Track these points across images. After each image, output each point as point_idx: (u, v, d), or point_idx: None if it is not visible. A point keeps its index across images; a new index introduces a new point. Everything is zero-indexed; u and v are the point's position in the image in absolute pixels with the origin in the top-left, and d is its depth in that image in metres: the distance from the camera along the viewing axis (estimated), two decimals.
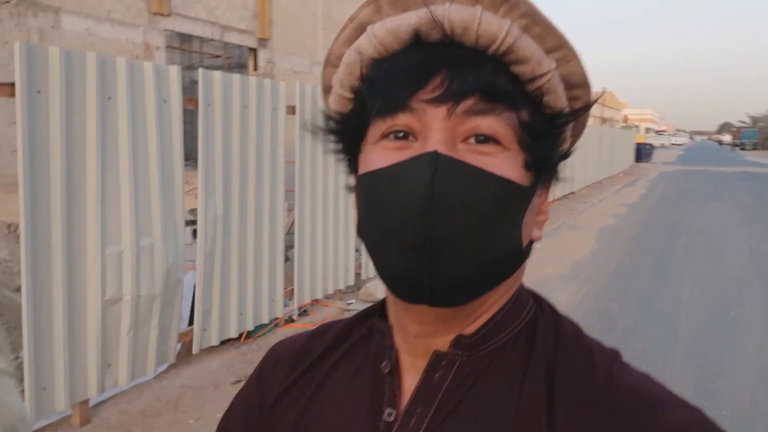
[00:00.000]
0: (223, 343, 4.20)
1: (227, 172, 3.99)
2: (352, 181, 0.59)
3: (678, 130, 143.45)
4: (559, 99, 0.54)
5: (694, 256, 8.06)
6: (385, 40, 0.53)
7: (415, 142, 0.51)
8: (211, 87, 3.83)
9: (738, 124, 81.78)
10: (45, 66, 2.79)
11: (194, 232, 4.11)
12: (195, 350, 3.95)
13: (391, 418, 0.55)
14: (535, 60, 0.51)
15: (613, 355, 0.56)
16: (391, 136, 0.52)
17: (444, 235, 0.48)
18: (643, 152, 31.40)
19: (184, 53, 17.02)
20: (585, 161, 16.34)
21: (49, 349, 3.01)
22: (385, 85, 0.52)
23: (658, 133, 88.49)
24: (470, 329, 0.54)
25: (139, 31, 14.76)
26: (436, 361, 0.54)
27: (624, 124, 58.97)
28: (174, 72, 3.48)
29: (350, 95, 0.56)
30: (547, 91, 0.52)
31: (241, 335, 4.32)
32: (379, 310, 0.63)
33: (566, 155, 0.59)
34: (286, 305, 4.75)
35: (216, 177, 3.92)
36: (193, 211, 4.60)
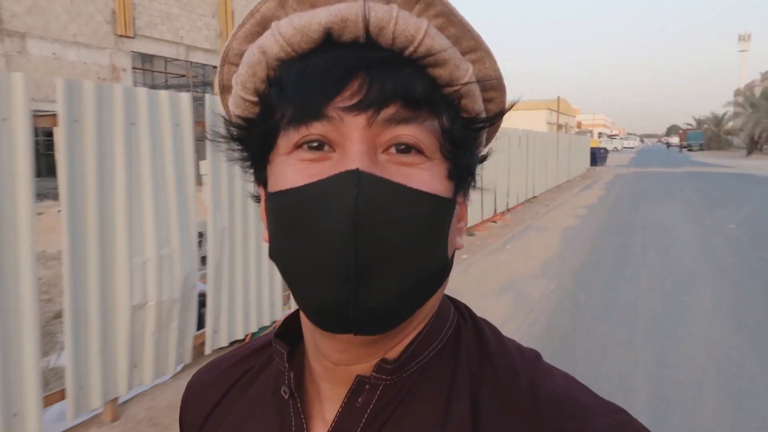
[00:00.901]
0: (232, 343, 4.55)
1: (232, 188, 4.37)
2: (259, 193, 0.54)
3: (629, 134, 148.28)
4: (476, 102, 0.51)
5: (650, 250, 8.74)
6: (292, 39, 0.48)
7: (332, 153, 0.47)
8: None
9: (685, 127, 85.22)
10: (80, 97, 3.14)
11: (200, 243, 4.45)
12: (207, 351, 4.29)
13: None
14: (453, 63, 0.49)
15: (535, 360, 0.55)
16: (305, 147, 0.47)
17: (372, 264, 0.44)
18: (597, 156, 32.63)
19: (148, 74, 17.17)
20: (544, 166, 17.12)
21: (85, 352, 3.32)
22: (297, 90, 0.47)
23: (611, 137, 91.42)
24: (394, 352, 0.52)
25: (105, 53, 14.90)
26: (359, 386, 0.51)
27: (578, 130, 60.90)
28: (186, 99, 3.85)
29: (254, 98, 0.51)
30: (465, 94, 0.50)
31: (246, 336, 4.67)
32: (278, 329, 0.58)
33: (483, 159, 0.57)
34: (284, 309, 5.12)
35: (222, 192, 4.29)
36: (201, 224, 4.94)
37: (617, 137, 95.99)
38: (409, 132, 0.46)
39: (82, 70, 14.03)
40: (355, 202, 0.43)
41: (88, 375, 3.33)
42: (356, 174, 0.43)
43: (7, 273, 2.83)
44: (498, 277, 7.10)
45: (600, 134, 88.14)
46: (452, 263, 0.53)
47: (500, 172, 12.30)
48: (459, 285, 6.74)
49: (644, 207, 14.06)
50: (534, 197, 15.87)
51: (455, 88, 0.49)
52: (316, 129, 0.46)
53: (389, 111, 0.46)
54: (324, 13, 0.47)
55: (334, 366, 0.52)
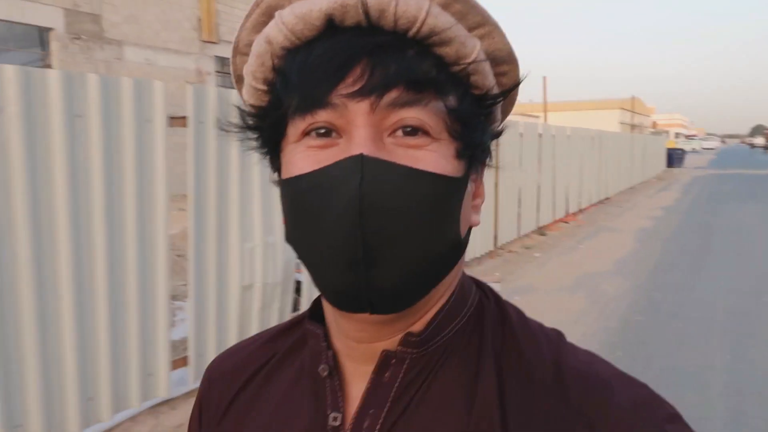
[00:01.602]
0: None
1: None
2: (275, 178, 0.56)
3: (709, 134, 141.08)
4: (486, 78, 0.51)
5: (729, 251, 8.57)
6: (295, 28, 0.49)
7: (339, 138, 0.48)
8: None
9: None
10: (205, 100, 3.59)
11: None
12: None
13: (337, 423, 0.53)
14: (459, 40, 0.49)
15: (558, 338, 0.56)
16: (313, 134, 0.48)
17: (379, 246, 0.45)
18: (674, 157, 31.51)
19: (227, 77, 18.08)
20: (618, 167, 16.83)
21: (204, 324, 3.78)
22: (301, 79, 0.48)
23: (689, 137, 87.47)
24: (418, 326, 0.52)
25: (191, 58, 15.85)
26: (385, 360, 0.52)
27: (653, 130, 58.75)
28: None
29: (264, 87, 0.52)
30: (474, 71, 0.50)
31: None
32: (309, 311, 0.60)
33: (497, 134, 0.56)
34: None
35: None
36: None
37: (696, 138, 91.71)
38: (413, 114, 0.47)
39: (171, 75, 15.01)
40: (359, 187, 0.44)
41: (206, 344, 3.79)
42: (360, 159, 0.44)
43: (149, 256, 3.30)
44: (572, 275, 7.22)
45: (677, 134, 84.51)
46: (467, 240, 0.53)
47: (572, 173, 12.27)
48: (532, 281, 6.92)
49: (724, 209, 13.62)
50: (607, 198, 15.65)
51: (462, 65, 0.49)
52: (322, 117, 0.47)
53: (392, 95, 0.46)
54: (324, 0, 0.47)
55: (356, 344, 0.53)
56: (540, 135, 10.21)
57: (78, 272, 2.95)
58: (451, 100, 0.48)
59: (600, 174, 14.72)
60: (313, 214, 0.47)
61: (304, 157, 0.48)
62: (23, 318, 2.77)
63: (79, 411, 3.05)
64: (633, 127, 41.83)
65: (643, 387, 0.52)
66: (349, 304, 0.48)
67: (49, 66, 13.12)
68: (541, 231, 10.45)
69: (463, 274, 0.57)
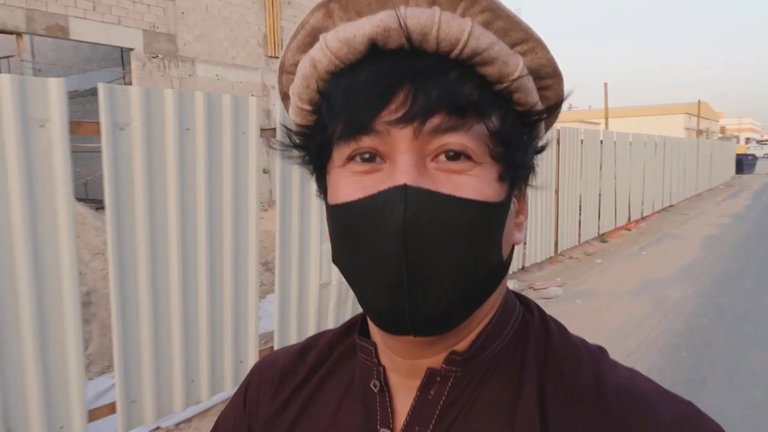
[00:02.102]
0: None
1: None
2: (322, 199, 0.56)
3: None
4: (529, 95, 0.51)
5: None
6: (339, 52, 0.49)
7: (383, 164, 0.48)
8: None
9: None
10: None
11: None
12: None
13: None
14: (501, 59, 0.48)
15: (599, 353, 0.56)
16: (358, 159, 0.49)
17: (422, 274, 0.46)
18: (744, 163, 30.30)
19: None
20: (683, 173, 16.44)
21: (287, 320, 4.12)
22: (345, 105, 0.48)
23: (761, 143, 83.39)
24: (462, 345, 0.53)
25: (257, 73, 16.59)
26: (431, 378, 0.53)
27: (722, 135, 56.48)
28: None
29: (309, 108, 0.53)
30: (517, 89, 0.50)
31: None
32: (359, 325, 0.61)
33: (540, 150, 0.56)
34: None
35: None
36: None
37: None
38: (456, 140, 0.47)
39: (239, 89, 15.77)
40: (403, 218, 0.44)
41: (288, 336, 4.13)
42: (404, 189, 0.45)
43: (241, 258, 3.68)
44: (634, 280, 7.24)
45: (747, 140, 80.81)
46: (510, 259, 0.54)
47: (635, 179, 12.14)
48: (594, 286, 6.99)
49: None
50: (671, 205, 15.32)
51: (506, 84, 0.49)
52: (366, 143, 0.47)
53: (435, 121, 0.46)
54: (367, 24, 0.48)
55: (402, 360, 0.54)
56: (601, 141, 10.21)
57: (185, 273, 3.34)
58: (494, 121, 0.48)
59: (663, 181, 14.44)
60: (359, 242, 0.48)
61: (349, 182, 0.49)
62: (142, 311, 3.18)
63: (183, 391, 3.44)
64: (699, 132, 40.40)
65: (687, 404, 0.50)
66: (393, 327, 0.49)
67: (129, 83, 14.09)
68: (602, 238, 10.41)
69: (507, 290, 0.57)
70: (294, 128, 0.56)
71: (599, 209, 10.31)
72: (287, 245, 4.03)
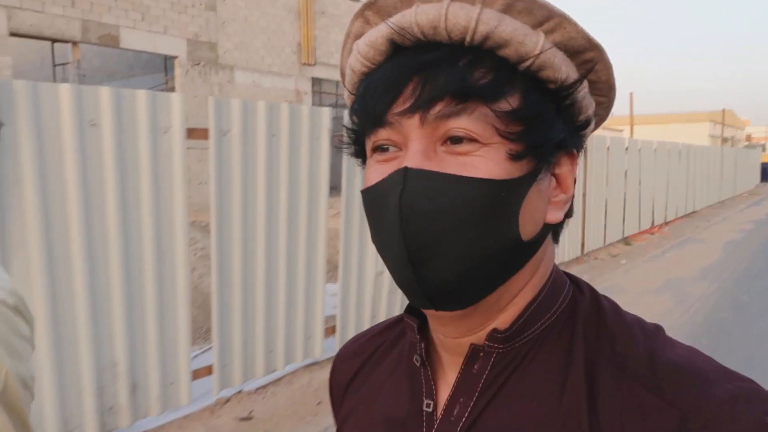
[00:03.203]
0: None
1: None
2: None
3: None
4: (557, 71, 0.51)
5: None
6: (368, 55, 0.54)
7: (400, 152, 0.52)
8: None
9: None
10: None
11: None
12: None
13: (430, 409, 0.57)
14: (516, 40, 0.50)
15: (655, 331, 0.55)
16: (379, 150, 0.53)
17: (421, 248, 0.49)
18: None
19: (324, 95, 19.43)
20: (706, 181, 16.71)
21: (347, 304, 4.66)
22: (363, 102, 0.52)
23: None
24: (504, 322, 0.54)
25: (291, 79, 17.27)
26: (474, 354, 0.55)
27: (747, 143, 55.95)
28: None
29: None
30: (542, 66, 0.51)
31: None
32: (408, 306, 0.63)
33: (586, 124, 0.56)
34: None
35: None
36: None
37: None
38: (459, 124, 0.49)
39: (274, 95, 16.44)
40: (399, 196, 0.48)
41: (348, 320, 4.67)
42: (404, 171, 0.49)
43: (313, 251, 4.23)
44: (657, 279, 7.67)
45: None
46: (541, 238, 0.54)
47: (659, 186, 12.51)
48: (619, 283, 7.44)
49: None
50: (694, 212, 15.61)
51: (528, 63, 0.50)
52: (382, 135, 0.52)
53: (437, 108, 0.48)
54: (385, 26, 0.52)
55: (443, 336, 0.57)
56: (626, 149, 10.63)
57: (269, 263, 3.91)
58: (511, 101, 0.49)
59: (687, 188, 14.76)
60: (376, 222, 0.52)
61: (373, 170, 0.53)
62: (234, 293, 3.75)
63: (263, 360, 4.00)
64: (724, 140, 40.26)
65: (747, 381, 0.49)
66: (413, 299, 0.52)
67: (172, 89, 14.82)
68: (626, 241, 10.82)
69: (557, 270, 0.58)
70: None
71: (624, 213, 10.73)
72: (350, 238, 4.58)
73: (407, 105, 0.49)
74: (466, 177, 0.48)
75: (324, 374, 4.49)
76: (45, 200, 2.83)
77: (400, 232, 0.49)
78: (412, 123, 0.50)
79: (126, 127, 3.10)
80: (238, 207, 3.68)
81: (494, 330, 0.54)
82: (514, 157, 0.50)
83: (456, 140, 0.49)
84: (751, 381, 0.49)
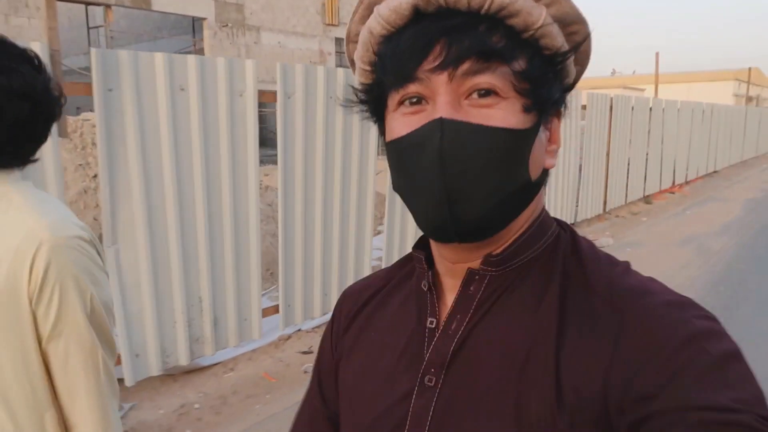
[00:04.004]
0: None
1: None
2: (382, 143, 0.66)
3: None
4: (554, 40, 0.59)
5: None
6: (389, 19, 0.59)
7: (427, 105, 0.58)
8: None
9: None
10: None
11: None
12: None
13: (433, 325, 0.65)
14: (525, 11, 0.57)
15: (623, 265, 0.63)
16: (407, 103, 0.59)
17: (458, 188, 0.56)
18: None
19: (343, 55, 19.58)
20: (728, 141, 16.76)
21: (392, 253, 5.08)
22: (393, 60, 0.59)
23: None
24: (497, 249, 0.63)
25: (315, 40, 17.42)
26: (470, 276, 0.63)
27: None
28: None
29: (369, 68, 0.64)
30: (542, 35, 0.58)
31: None
32: (416, 243, 0.72)
33: (569, 88, 0.65)
34: None
35: None
36: None
37: None
38: (483, 80, 0.56)
39: (298, 56, 16.65)
40: (440, 142, 0.55)
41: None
42: (440, 121, 0.55)
43: (361, 205, 4.62)
44: (679, 234, 8.00)
45: None
46: (543, 180, 0.64)
47: (681, 145, 12.67)
48: (642, 238, 7.79)
49: None
50: (715, 171, 15.74)
51: (531, 32, 0.58)
52: (412, 89, 0.58)
53: (465, 66, 0.55)
54: None
55: (451, 264, 0.65)
56: (651, 109, 10.80)
57: (326, 214, 4.32)
58: (521, 63, 0.57)
59: (709, 147, 14.86)
60: (409, 167, 0.59)
61: (400, 122, 0.60)
62: (297, 240, 4.17)
63: (320, 301, 4.46)
64: (749, 99, 39.58)
65: (689, 300, 0.56)
66: (442, 236, 0.60)
67: (200, 51, 15.08)
68: (647, 199, 11.09)
69: (545, 211, 0.67)
70: (359, 87, 0.67)
71: (645, 172, 10.97)
72: (394, 195, 4.95)
73: (437, 63, 0.56)
74: (492, 127, 0.56)
75: None
76: (144, 155, 3.25)
77: (439, 174, 0.56)
78: (441, 79, 0.56)
79: (208, 91, 3.48)
80: (300, 165, 4.07)
81: (488, 255, 0.62)
82: (526, 109, 0.58)
83: (482, 94, 0.56)
84: (693, 301, 0.57)
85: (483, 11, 0.57)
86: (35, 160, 1.10)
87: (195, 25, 15.60)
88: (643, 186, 10.97)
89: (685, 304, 0.55)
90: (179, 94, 3.36)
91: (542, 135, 0.62)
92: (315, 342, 4.38)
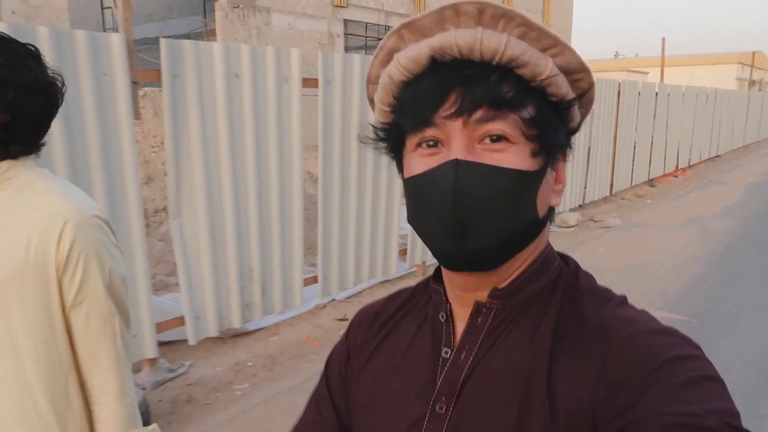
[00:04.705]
0: None
1: None
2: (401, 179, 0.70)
3: None
4: (560, 88, 0.64)
5: None
6: (408, 66, 0.65)
7: (443, 148, 0.63)
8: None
9: None
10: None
11: None
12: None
13: (448, 355, 0.69)
14: (533, 62, 0.62)
15: (616, 298, 0.67)
16: (424, 145, 0.64)
17: (470, 223, 0.61)
18: None
19: (354, 38, 19.72)
20: (731, 125, 17.04)
21: (417, 239, 5.42)
22: (413, 106, 0.64)
23: None
24: (503, 284, 0.67)
25: (324, 22, 17.56)
26: (478, 308, 0.68)
27: None
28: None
29: (389, 109, 0.69)
30: (549, 84, 0.63)
31: None
32: (434, 275, 0.75)
33: (575, 130, 0.69)
34: None
35: None
36: None
37: None
38: (495, 126, 0.61)
39: (308, 38, 16.84)
40: (454, 182, 0.60)
41: (416, 246, 5.45)
42: (455, 162, 0.60)
43: (390, 186, 4.95)
44: (682, 216, 8.36)
45: None
46: (549, 218, 0.69)
47: (685, 130, 12.97)
48: (647, 219, 8.15)
49: None
50: (717, 156, 16.05)
51: (539, 81, 0.62)
52: (429, 133, 0.63)
53: (478, 114, 0.60)
54: (426, 45, 0.64)
55: (462, 293, 0.69)
56: (656, 94, 11.08)
57: (359, 196, 4.65)
58: (530, 111, 0.62)
59: (712, 132, 15.15)
60: (425, 202, 0.63)
61: (418, 162, 0.64)
62: (334, 216, 4.51)
63: (353, 273, 4.81)
64: (752, 83, 39.66)
65: (673, 329, 0.61)
66: (453, 264, 0.65)
67: (212, 32, 15.26)
68: (651, 183, 11.42)
69: (550, 248, 0.71)
70: (379, 125, 0.72)
71: (650, 156, 11.28)
72: None
73: (453, 110, 0.60)
74: (503, 168, 0.61)
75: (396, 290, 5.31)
76: (204, 136, 3.57)
77: (453, 209, 0.60)
78: (456, 124, 0.61)
79: (259, 78, 3.80)
80: (338, 147, 4.39)
81: (494, 289, 0.67)
82: (534, 154, 0.62)
83: (494, 139, 0.61)
84: (674, 328, 0.60)
85: (495, 62, 0.62)
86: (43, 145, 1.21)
87: (206, 5, 15.76)
88: (647, 170, 11.29)
89: (668, 332, 0.60)
90: (234, 80, 3.67)
91: (549, 176, 0.66)
92: (348, 310, 4.74)
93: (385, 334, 0.79)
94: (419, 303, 0.79)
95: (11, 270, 1.06)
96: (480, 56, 0.62)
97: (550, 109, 0.64)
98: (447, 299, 0.72)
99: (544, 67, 0.62)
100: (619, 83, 9.33)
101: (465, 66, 0.62)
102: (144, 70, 3.48)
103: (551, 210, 0.69)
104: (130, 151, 3.23)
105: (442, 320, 0.72)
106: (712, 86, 15.08)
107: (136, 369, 3.59)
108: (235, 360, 3.94)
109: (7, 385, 1.10)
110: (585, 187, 8.82)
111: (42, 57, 1.14)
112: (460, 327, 0.70)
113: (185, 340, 3.86)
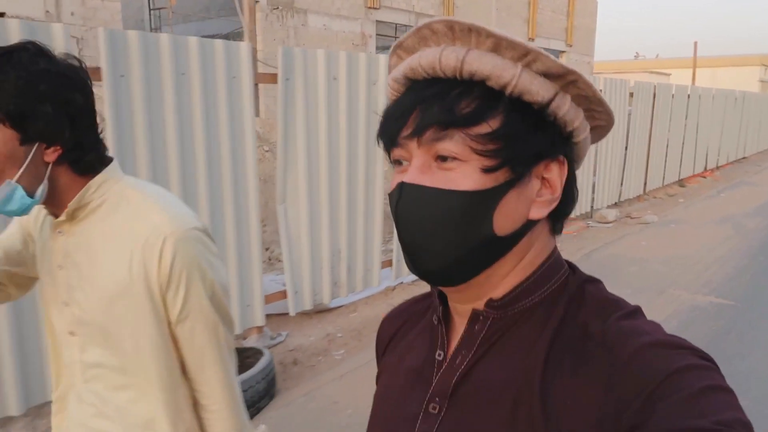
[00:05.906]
0: None
1: None
2: None
3: None
4: (535, 95, 0.62)
5: None
6: (393, 86, 0.69)
7: (409, 165, 0.65)
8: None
9: None
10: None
11: None
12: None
13: (440, 358, 0.71)
14: (495, 74, 0.61)
15: (626, 308, 0.64)
16: (397, 163, 0.67)
17: (413, 243, 0.64)
18: None
19: (380, 38, 20.16)
20: (758, 127, 17.26)
21: None
22: (383, 126, 0.66)
23: None
24: (498, 294, 0.67)
25: (357, 23, 18.03)
26: (474, 317, 0.68)
27: None
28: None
29: None
30: (522, 92, 0.61)
31: None
32: None
33: (569, 137, 0.66)
34: None
35: None
36: None
37: None
38: (442, 147, 0.61)
39: (341, 38, 17.34)
40: (397, 204, 0.64)
41: None
42: (400, 185, 0.64)
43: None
44: (716, 214, 8.72)
45: None
46: (525, 231, 0.65)
47: (714, 131, 13.26)
48: (682, 217, 8.52)
49: None
50: (744, 158, 16.28)
51: (508, 90, 0.61)
52: (396, 153, 0.66)
53: (428, 134, 0.62)
54: (404, 66, 0.67)
55: (454, 303, 0.71)
56: (688, 96, 11.41)
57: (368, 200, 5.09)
58: (491, 124, 0.61)
59: (739, 134, 15.40)
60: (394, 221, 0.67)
61: (393, 179, 0.67)
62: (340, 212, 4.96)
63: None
64: None
65: (680, 339, 0.59)
66: (422, 277, 0.67)
67: (252, 32, 15.77)
68: (680, 183, 11.74)
69: (556, 257, 0.69)
70: None
71: (681, 157, 11.61)
72: None
73: (409, 131, 0.63)
74: (444, 189, 0.62)
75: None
76: (308, 132, 4.05)
77: (399, 230, 0.65)
78: (413, 144, 0.63)
79: (352, 79, 4.26)
80: (363, 146, 4.82)
81: (490, 299, 0.67)
82: (487, 170, 0.61)
83: (443, 158, 0.62)
84: (684, 341, 0.59)
85: (459, 78, 0.63)
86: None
87: (243, 6, 16.30)
88: (678, 170, 11.62)
89: (674, 343, 0.58)
90: (333, 83, 4.14)
91: (526, 187, 0.64)
92: (417, 292, 5.14)
93: (400, 336, 0.84)
94: (427, 309, 0.82)
95: (118, 289, 1.06)
96: (443, 74, 0.63)
97: (524, 117, 0.62)
98: (441, 302, 0.74)
99: (510, 76, 0.61)
100: (655, 86, 9.69)
101: (431, 84, 0.64)
102: (264, 73, 3.96)
103: (530, 223, 0.65)
104: (251, 142, 3.71)
105: (435, 323, 0.74)
106: (733, 89, 15.31)
107: (245, 336, 4.08)
108: (324, 332, 4.42)
109: (136, 407, 1.11)
110: (621, 185, 9.19)
111: (50, 49, 1.03)
112: (459, 332, 0.71)
113: (278, 315, 4.34)
